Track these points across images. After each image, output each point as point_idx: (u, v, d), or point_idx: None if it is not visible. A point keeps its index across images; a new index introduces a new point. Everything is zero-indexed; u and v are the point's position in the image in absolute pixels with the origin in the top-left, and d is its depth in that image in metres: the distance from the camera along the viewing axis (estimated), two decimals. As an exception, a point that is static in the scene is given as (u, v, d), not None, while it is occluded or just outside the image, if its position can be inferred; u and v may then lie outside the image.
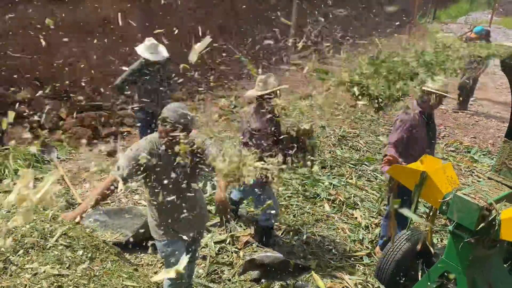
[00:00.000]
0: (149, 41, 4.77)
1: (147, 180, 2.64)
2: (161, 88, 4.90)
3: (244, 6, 12.37)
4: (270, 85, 3.70)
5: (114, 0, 7.51)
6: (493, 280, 2.98)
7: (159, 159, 2.57)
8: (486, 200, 2.66)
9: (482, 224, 2.63)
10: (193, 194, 2.81)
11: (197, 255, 3.23)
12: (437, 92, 3.60)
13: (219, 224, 4.11)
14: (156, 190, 2.65)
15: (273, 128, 3.73)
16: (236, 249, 3.87)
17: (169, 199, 2.67)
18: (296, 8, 11.29)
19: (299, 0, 11.78)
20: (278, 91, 3.72)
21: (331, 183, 5.41)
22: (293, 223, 4.53)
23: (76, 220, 2.48)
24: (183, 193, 2.73)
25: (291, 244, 4.22)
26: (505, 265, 3.38)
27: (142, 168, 2.53)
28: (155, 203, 2.71)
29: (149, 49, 4.73)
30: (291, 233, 4.39)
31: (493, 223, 2.61)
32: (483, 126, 8.42)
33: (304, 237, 4.33)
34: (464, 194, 2.72)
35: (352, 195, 5.21)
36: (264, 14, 12.84)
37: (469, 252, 2.77)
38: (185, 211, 2.76)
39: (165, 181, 2.61)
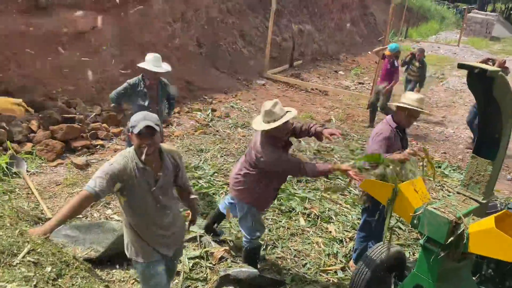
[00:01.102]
0: (150, 55, 4.73)
1: (123, 197, 2.58)
2: (156, 108, 4.78)
3: (221, 20, 12.47)
4: (278, 116, 3.35)
5: (87, 13, 7.43)
6: (463, 292, 3.05)
7: (136, 175, 2.53)
8: (455, 214, 2.74)
9: (451, 238, 2.69)
10: (171, 211, 2.76)
11: (174, 273, 3.18)
12: (413, 108, 3.70)
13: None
14: (132, 208, 2.59)
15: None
16: (211, 265, 3.82)
17: (146, 217, 2.63)
18: (273, 22, 11.45)
19: (275, 15, 11.96)
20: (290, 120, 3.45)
21: (306, 197, 5.45)
22: (268, 237, 4.53)
23: (45, 236, 2.40)
24: (161, 210, 2.68)
25: (266, 259, 4.21)
26: (474, 278, 3.46)
27: (116, 184, 2.48)
28: (131, 221, 2.64)
29: (153, 62, 4.67)
30: (266, 248, 4.38)
31: (462, 236, 2.68)
32: (453, 142, 8.67)
33: (279, 251, 4.33)
34: (434, 208, 2.78)
35: (327, 209, 5.25)
36: (241, 29, 12.97)
37: (440, 265, 2.83)
38: (164, 229, 2.71)
39: (142, 198, 2.57)
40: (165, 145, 2.72)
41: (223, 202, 4.20)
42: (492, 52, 22.03)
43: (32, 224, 3.87)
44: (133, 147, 2.57)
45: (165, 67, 4.77)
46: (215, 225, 4.35)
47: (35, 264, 2.20)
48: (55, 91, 6.84)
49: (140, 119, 2.47)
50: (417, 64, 9.41)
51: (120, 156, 2.54)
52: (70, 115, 6.35)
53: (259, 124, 3.45)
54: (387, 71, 8.45)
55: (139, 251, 2.70)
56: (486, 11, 38.37)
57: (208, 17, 11.96)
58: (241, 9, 13.69)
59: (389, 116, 3.95)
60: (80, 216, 4.52)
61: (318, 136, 3.72)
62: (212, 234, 4.30)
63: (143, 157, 2.49)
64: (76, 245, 3.65)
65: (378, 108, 8.65)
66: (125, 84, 4.76)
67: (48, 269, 2.23)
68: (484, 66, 2.57)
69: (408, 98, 3.76)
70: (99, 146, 6.26)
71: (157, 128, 2.48)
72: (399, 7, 24.11)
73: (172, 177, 2.73)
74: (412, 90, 9.25)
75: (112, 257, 3.68)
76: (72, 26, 7.14)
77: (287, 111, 3.44)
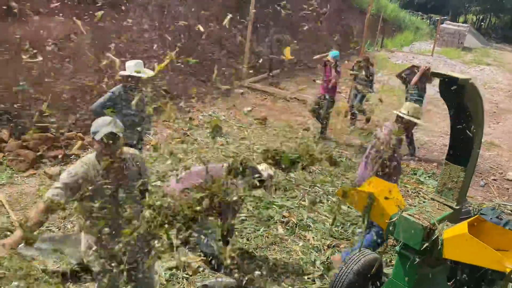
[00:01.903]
0: (131, 62, 4.65)
1: (83, 205, 2.51)
2: (142, 115, 4.72)
3: (200, 28, 12.46)
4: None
5: (63, 19, 7.31)
6: (438, 298, 3.08)
7: (96, 182, 2.46)
8: (430, 220, 2.77)
9: (426, 244, 2.73)
10: (134, 217, 2.70)
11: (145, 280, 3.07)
12: (409, 118, 3.83)
13: None
14: (92, 215, 2.52)
15: None
16: (187, 275, 3.76)
17: (106, 224, 2.56)
18: (251, 32, 11.51)
19: (254, 24, 12.03)
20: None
21: (284, 205, 5.45)
22: (246, 246, 4.49)
23: (7, 251, 2.29)
24: (122, 217, 2.62)
25: (244, 268, 4.16)
26: (449, 283, 3.51)
27: (76, 192, 2.41)
28: (91, 229, 2.57)
29: (136, 68, 4.60)
30: (244, 257, 4.34)
31: (437, 242, 2.72)
32: (428, 149, 8.84)
33: (258, 261, 4.30)
34: (409, 215, 2.82)
35: (305, 217, 5.25)
36: (219, 38, 12.99)
37: (415, 271, 2.85)
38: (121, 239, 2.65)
39: (103, 207, 2.50)
40: (126, 149, 2.68)
41: None
42: (464, 62, 22.67)
43: (2, 237, 3.73)
44: (93, 153, 2.53)
45: (148, 71, 4.73)
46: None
47: (1, 279, 2.11)
48: (28, 99, 6.67)
49: (103, 125, 2.43)
50: (363, 72, 9.30)
51: (80, 163, 2.49)
52: (43, 124, 6.19)
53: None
54: (329, 79, 8.17)
55: (98, 260, 2.63)
56: (458, 22, 39.55)
57: (186, 25, 11.94)
58: (219, 18, 13.73)
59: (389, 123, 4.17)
60: (52, 228, 4.40)
61: None
62: (187, 246, 4.24)
63: (104, 163, 2.45)
64: (48, 258, 3.54)
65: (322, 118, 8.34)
66: (108, 94, 4.67)
67: (15, 284, 2.15)
68: (455, 75, 2.63)
69: (405, 108, 3.93)
70: (73, 155, 6.11)
71: (120, 135, 2.46)
72: (374, 18, 24.62)
73: (135, 181, 2.68)
74: (362, 99, 9.26)
75: (86, 270, 3.58)
76: (46, 33, 7.00)
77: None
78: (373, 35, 25.35)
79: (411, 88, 7.82)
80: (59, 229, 4.35)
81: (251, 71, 12.67)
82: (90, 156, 2.53)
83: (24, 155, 5.58)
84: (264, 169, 3.95)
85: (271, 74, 13.83)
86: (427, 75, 7.60)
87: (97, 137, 2.40)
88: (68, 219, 4.56)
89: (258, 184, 3.94)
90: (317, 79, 14.80)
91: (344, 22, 24.06)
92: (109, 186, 2.51)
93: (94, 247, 2.61)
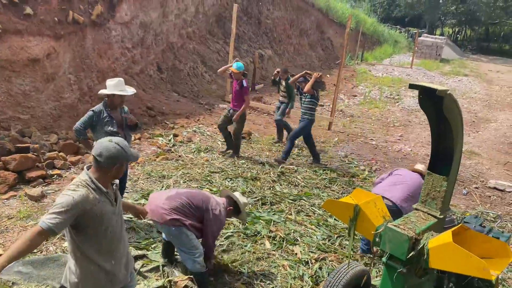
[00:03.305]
0: (113, 80, 4.61)
1: (82, 229, 2.44)
2: (124, 133, 4.69)
3: (181, 45, 12.51)
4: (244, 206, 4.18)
5: (43, 39, 7.25)
6: (426, 308, 3.09)
7: (99, 201, 2.43)
8: (415, 230, 2.80)
9: (412, 254, 2.74)
10: (125, 234, 2.70)
11: None
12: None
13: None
14: (95, 238, 2.47)
15: None
16: (175, 294, 3.70)
17: (109, 243, 2.54)
18: (233, 47, 11.59)
19: (235, 40, 12.13)
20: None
21: (271, 220, 5.43)
22: (233, 263, 4.45)
23: None
24: (121, 234, 2.62)
25: (232, 285, 4.12)
26: (436, 293, 3.52)
27: (77, 218, 2.35)
28: (91, 253, 2.50)
29: (117, 87, 4.56)
30: (232, 273, 4.29)
31: (422, 252, 2.74)
32: (411, 160, 8.96)
33: (245, 277, 4.26)
34: (395, 226, 2.84)
35: (292, 231, 5.24)
36: (201, 54, 13.05)
37: (402, 282, 2.86)
38: (122, 255, 2.63)
39: (106, 223, 2.48)
40: None
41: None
42: (442, 73, 23.23)
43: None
44: (88, 174, 2.48)
45: (130, 90, 4.71)
46: (172, 255, 4.28)
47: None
48: (8, 120, 6.55)
49: (119, 150, 2.47)
50: (283, 83, 9.01)
51: (78, 187, 2.40)
52: (24, 145, 6.08)
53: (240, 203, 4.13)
54: (236, 92, 7.62)
55: (94, 286, 2.56)
56: (435, 35, 40.59)
57: (168, 42, 11.97)
58: (201, 34, 13.83)
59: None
60: (35, 250, 4.29)
61: None
62: (174, 263, 4.19)
63: (107, 183, 2.50)
64: (29, 282, 3.45)
65: (233, 136, 7.80)
66: (89, 113, 4.62)
67: (-4, 310, 2.08)
68: (433, 86, 2.69)
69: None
70: (56, 176, 6.00)
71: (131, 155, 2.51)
72: (354, 32, 25.11)
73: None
74: (284, 111, 8.97)
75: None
76: (25, 53, 6.93)
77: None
78: (353, 48, 25.83)
79: (304, 95, 7.60)
80: (41, 252, 4.24)
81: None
82: (85, 178, 2.46)
83: (4, 177, 5.45)
84: (239, 196, 4.15)
85: (255, 89, 13.93)
86: (320, 82, 7.55)
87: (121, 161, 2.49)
88: (50, 241, 4.45)
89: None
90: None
91: (325, 35, 24.47)
92: (110, 202, 2.52)
93: (92, 272, 2.55)
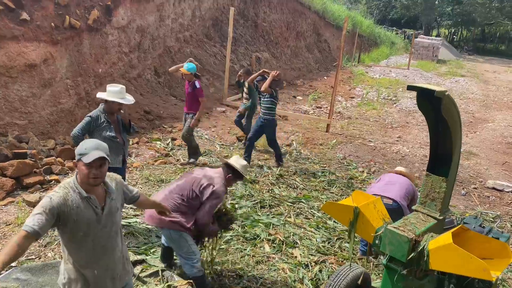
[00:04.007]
0: (116, 86, 4.60)
1: (63, 232, 2.42)
2: (122, 138, 4.70)
3: (178, 49, 12.51)
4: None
5: (40, 44, 7.24)
6: (427, 309, 3.08)
7: (78, 206, 2.41)
8: (415, 232, 2.79)
9: (412, 255, 2.74)
10: (117, 246, 2.63)
11: None
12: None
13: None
14: (76, 243, 2.44)
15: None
16: (174, 299, 3.68)
17: (92, 252, 2.48)
18: (230, 50, 11.60)
19: (232, 43, 12.13)
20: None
21: (271, 223, 5.42)
22: (233, 267, 4.43)
23: None
24: (107, 245, 2.55)
25: (231, 289, 4.10)
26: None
27: (58, 220, 2.33)
28: (75, 259, 2.48)
29: (118, 94, 4.56)
30: (231, 277, 4.28)
31: (422, 254, 2.73)
32: (409, 161, 8.96)
33: (245, 281, 4.24)
34: (394, 228, 2.83)
35: (292, 234, 5.23)
36: (199, 57, 13.06)
37: (403, 284, 2.85)
38: (104, 270, 2.57)
39: (87, 231, 2.43)
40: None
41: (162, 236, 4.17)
42: (439, 74, 23.28)
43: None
44: (74, 177, 2.46)
45: (130, 98, 4.70)
46: (171, 259, 4.26)
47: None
48: (5, 125, 6.53)
49: (92, 148, 2.38)
50: (246, 85, 8.57)
51: (59, 188, 2.41)
52: (21, 150, 6.06)
53: (238, 165, 3.98)
54: (189, 95, 7.18)
55: None
56: (431, 36, 40.74)
57: (165, 46, 11.97)
58: (198, 38, 13.83)
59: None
60: (33, 257, 4.27)
61: None
62: (173, 267, 4.17)
63: (88, 186, 2.41)
64: (28, 289, 3.42)
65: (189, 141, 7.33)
66: (87, 119, 4.60)
67: (-6, 318, 2.06)
68: (431, 87, 2.68)
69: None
70: (53, 181, 5.98)
71: (108, 159, 2.42)
72: (350, 34, 25.18)
73: (119, 200, 2.64)
74: (250, 114, 8.68)
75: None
76: (22, 59, 6.91)
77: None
78: (350, 50, 25.90)
79: (263, 95, 7.38)
80: (39, 258, 4.22)
81: (232, 90, 12.75)
82: (70, 180, 2.46)
83: (1, 183, 5.43)
84: (235, 161, 4.03)
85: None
86: (278, 81, 7.35)
87: (87, 160, 2.34)
88: (48, 247, 4.43)
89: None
90: (297, 96, 14.99)
91: (322, 38, 24.52)
92: (93, 209, 2.45)
93: (76, 278, 2.52)
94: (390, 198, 4.49)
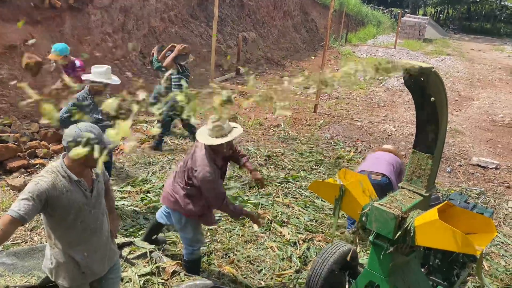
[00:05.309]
0: (101, 67, 4.49)
1: (51, 217, 2.40)
2: (109, 122, 4.60)
3: (163, 29, 12.28)
4: (225, 131, 3.35)
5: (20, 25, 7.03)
6: (413, 284, 3.14)
7: (68, 190, 2.37)
8: (401, 209, 2.81)
9: (399, 232, 2.76)
10: (104, 227, 2.63)
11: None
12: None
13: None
14: (65, 227, 2.42)
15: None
16: (163, 281, 3.68)
17: (81, 234, 2.47)
18: (216, 30, 11.42)
19: (218, 23, 11.94)
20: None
21: (259, 203, 5.44)
22: (222, 247, 4.45)
23: None
24: (96, 225, 2.54)
25: (221, 268, 4.13)
26: (422, 269, 3.58)
27: (45, 205, 2.30)
28: (62, 242, 2.46)
29: (105, 75, 4.45)
30: (220, 257, 4.30)
31: (409, 230, 2.76)
32: (395, 140, 9.03)
33: (234, 260, 4.27)
34: (381, 205, 2.85)
35: (280, 213, 5.26)
36: (184, 38, 12.85)
37: (390, 260, 2.89)
38: (93, 252, 2.56)
39: (76, 214, 2.41)
40: None
41: (160, 211, 4.09)
42: (426, 53, 23.33)
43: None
44: (61, 160, 2.42)
45: (115, 78, 4.61)
46: (154, 236, 4.24)
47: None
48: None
49: (97, 136, 2.34)
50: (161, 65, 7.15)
51: (46, 173, 2.36)
52: (3, 134, 5.94)
53: (205, 138, 3.39)
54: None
55: (66, 275, 2.53)
56: (418, 15, 40.65)
57: (150, 27, 11.73)
58: (183, 18, 13.58)
59: None
60: (19, 241, 4.23)
61: (245, 170, 4.12)
62: (154, 244, 4.16)
63: (78, 170, 2.38)
64: (14, 273, 3.39)
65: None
66: (72, 101, 4.51)
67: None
68: (418, 64, 2.67)
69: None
70: (38, 165, 5.89)
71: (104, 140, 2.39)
72: (338, 13, 24.98)
73: (103, 182, 2.62)
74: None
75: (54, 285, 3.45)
76: (1, 40, 6.72)
77: (234, 127, 3.45)
78: (337, 30, 25.73)
79: (171, 71, 6.57)
80: (25, 242, 4.18)
81: (218, 70, 12.61)
82: (56, 164, 2.41)
83: (-16, 168, 5.34)
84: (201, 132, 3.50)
85: (240, 73, 13.79)
86: (183, 55, 6.66)
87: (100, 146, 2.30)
88: (35, 231, 4.39)
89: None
90: (285, 77, 14.89)
91: (309, 17, 24.29)
92: (83, 192, 2.43)
93: (64, 261, 2.50)
94: (378, 173, 4.54)
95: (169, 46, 7.06)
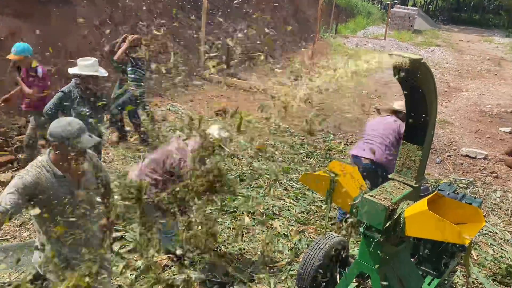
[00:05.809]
0: (88, 60, 4.41)
1: (38, 211, 2.38)
2: (98, 115, 4.53)
3: (151, 21, 12.14)
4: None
5: (4, 18, 6.89)
6: (402, 274, 3.17)
7: (52, 186, 2.34)
8: (391, 200, 2.83)
9: (389, 223, 2.78)
10: (94, 224, 2.62)
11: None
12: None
13: None
14: (49, 222, 2.39)
15: None
16: (155, 275, 3.67)
17: (64, 231, 2.44)
18: (205, 24, 11.34)
19: (207, 14, 11.86)
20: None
21: (250, 195, 5.43)
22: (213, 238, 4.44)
23: None
24: (81, 223, 2.51)
25: (212, 262, 4.12)
26: (412, 259, 3.62)
27: (30, 199, 2.27)
28: (48, 236, 2.44)
29: (91, 67, 4.38)
30: (212, 251, 4.29)
31: (399, 221, 2.78)
32: (385, 131, 9.06)
33: (226, 253, 4.27)
34: (371, 196, 2.86)
35: (271, 206, 5.27)
36: (173, 29, 12.72)
37: (380, 251, 2.91)
38: (85, 243, 2.53)
39: (61, 210, 2.38)
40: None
41: None
42: (415, 44, 23.40)
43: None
44: (47, 155, 2.39)
45: (102, 71, 4.55)
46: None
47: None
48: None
49: (80, 132, 2.31)
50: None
51: (31, 167, 2.35)
52: (-11, 129, 5.85)
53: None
54: (30, 88, 5.15)
55: (55, 270, 2.51)
56: (407, 6, 40.70)
57: (137, 19, 11.58)
58: (172, 9, 13.43)
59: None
60: (8, 237, 4.18)
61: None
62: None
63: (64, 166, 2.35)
64: (3, 270, 3.35)
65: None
66: (59, 94, 4.44)
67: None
68: (407, 55, 2.66)
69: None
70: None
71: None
72: (327, 5, 24.91)
73: (94, 179, 2.59)
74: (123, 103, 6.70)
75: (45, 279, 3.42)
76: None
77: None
78: (327, 21, 25.67)
79: (126, 65, 6.43)
80: (14, 238, 4.14)
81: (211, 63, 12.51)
82: (42, 159, 2.39)
83: (-30, 163, 5.26)
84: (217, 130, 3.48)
85: (230, 65, 13.72)
86: (135, 47, 6.30)
87: (81, 146, 2.27)
88: (23, 226, 4.34)
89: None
90: (275, 69, 14.87)
91: (298, 9, 24.19)
92: (68, 188, 2.40)
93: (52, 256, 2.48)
94: (367, 158, 4.54)
95: (123, 37, 6.69)
